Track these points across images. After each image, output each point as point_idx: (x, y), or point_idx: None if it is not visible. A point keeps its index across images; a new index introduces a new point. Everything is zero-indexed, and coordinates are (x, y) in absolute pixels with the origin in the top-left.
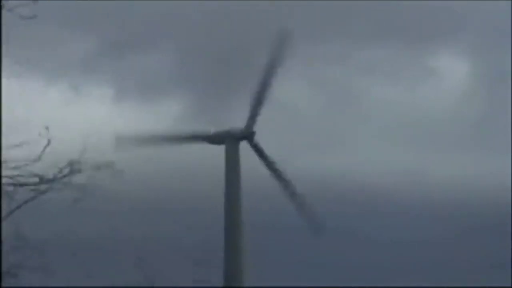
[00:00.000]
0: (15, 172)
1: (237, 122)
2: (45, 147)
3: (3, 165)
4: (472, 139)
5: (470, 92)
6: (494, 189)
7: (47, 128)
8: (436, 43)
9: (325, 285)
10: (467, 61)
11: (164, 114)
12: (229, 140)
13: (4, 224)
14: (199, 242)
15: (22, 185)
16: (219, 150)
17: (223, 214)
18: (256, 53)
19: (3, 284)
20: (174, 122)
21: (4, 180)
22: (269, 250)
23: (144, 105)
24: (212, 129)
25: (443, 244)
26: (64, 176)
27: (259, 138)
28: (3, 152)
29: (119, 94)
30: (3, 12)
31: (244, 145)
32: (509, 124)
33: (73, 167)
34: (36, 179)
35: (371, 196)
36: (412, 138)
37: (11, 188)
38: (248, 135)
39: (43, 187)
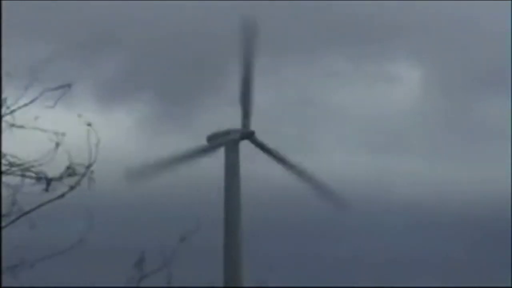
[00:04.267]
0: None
1: (209, 125)
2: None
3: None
4: (433, 144)
5: (428, 96)
6: (459, 194)
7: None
8: (393, 48)
9: (324, 285)
10: (424, 65)
11: (123, 120)
12: (229, 141)
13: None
14: (199, 243)
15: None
16: (219, 152)
17: (223, 214)
18: (217, 53)
19: (3, 284)
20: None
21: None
22: (269, 251)
23: (101, 110)
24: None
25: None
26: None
27: None
28: None
29: (74, 99)
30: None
31: (244, 146)
32: (468, 128)
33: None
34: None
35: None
36: (373, 144)
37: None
38: (248, 134)
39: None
